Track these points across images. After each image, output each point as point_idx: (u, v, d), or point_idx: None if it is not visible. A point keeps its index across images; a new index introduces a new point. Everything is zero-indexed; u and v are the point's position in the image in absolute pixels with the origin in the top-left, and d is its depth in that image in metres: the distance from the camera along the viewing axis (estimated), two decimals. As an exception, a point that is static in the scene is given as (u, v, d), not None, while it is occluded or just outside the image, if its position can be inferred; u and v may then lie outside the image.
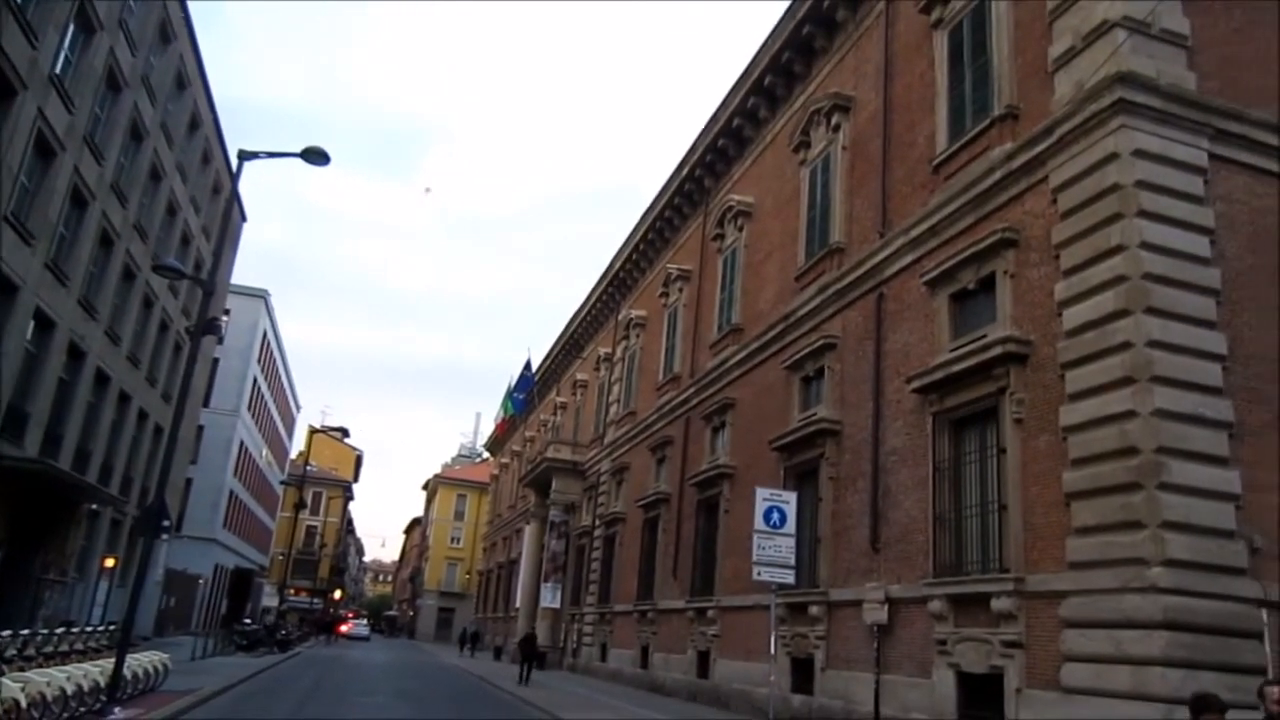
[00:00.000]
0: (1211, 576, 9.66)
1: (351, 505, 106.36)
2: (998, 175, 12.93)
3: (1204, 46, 11.74)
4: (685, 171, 27.00)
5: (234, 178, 17.46)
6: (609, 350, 35.51)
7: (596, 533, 31.97)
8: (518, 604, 42.07)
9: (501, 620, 49.64)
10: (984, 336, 12.73)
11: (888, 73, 16.93)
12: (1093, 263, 11.01)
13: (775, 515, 12.88)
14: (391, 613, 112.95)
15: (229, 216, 17.76)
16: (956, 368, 12.93)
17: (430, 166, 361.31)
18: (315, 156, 14.58)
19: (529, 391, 44.48)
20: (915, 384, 13.81)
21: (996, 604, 11.40)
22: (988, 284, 13.04)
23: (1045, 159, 12.09)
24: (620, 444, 31.19)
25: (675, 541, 23.89)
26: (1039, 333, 11.84)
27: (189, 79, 30.77)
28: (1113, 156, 11.00)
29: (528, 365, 43.76)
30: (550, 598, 35.05)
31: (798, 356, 18.27)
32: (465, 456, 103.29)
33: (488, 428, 75.78)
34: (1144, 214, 10.65)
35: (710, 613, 20.61)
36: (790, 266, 19.74)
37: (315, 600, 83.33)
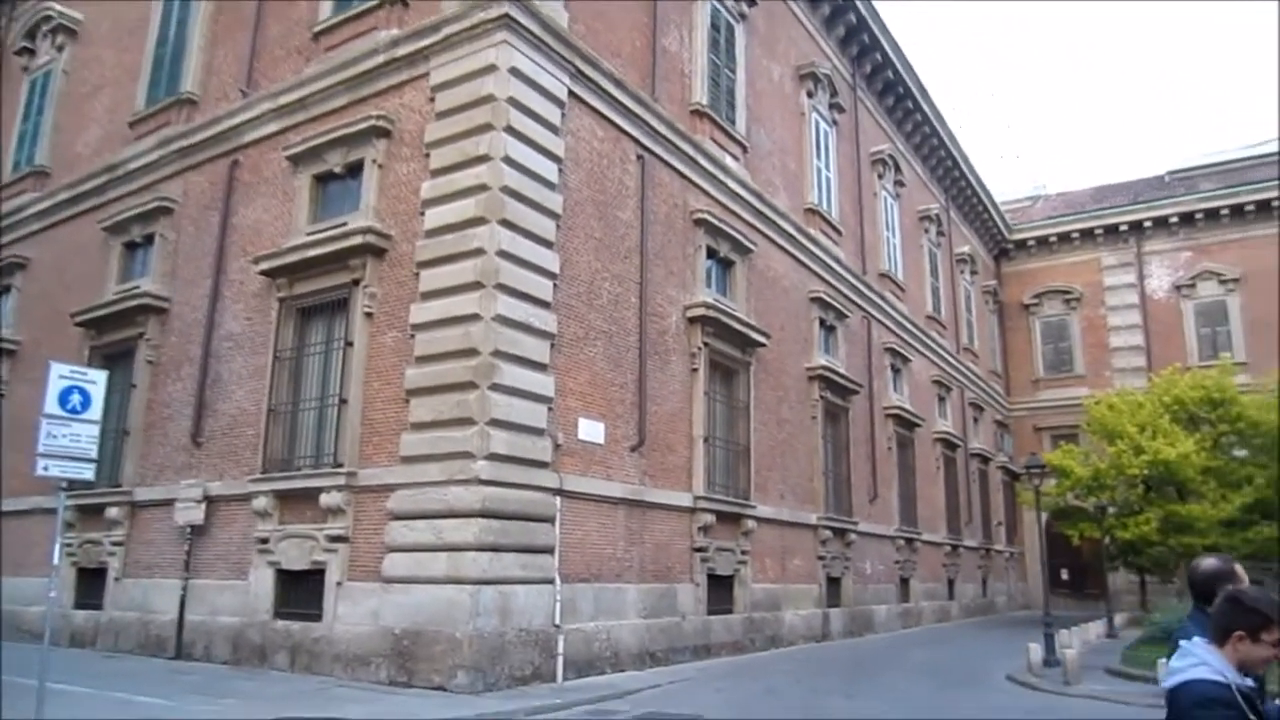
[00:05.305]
0: (522, 469, 10.69)
1: None
2: (380, 60, 12.33)
3: (578, -9, 12.69)
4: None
5: None
6: None
7: None
8: None
9: None
10: (345, 225, 12.15)
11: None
12: (460, 168, 11.19)
13: (77, 397, 10.55)
14: None
15: None
16: (312, 253, 12.15)
17: None
18: None
19: None
20: (264, 265, 12.63)
21: (326, 499, 11.11)
22: (355, 170, 12.45)
23: (429, 54, 11.87)
24: None
25: (-79, 431, 18.64)
26: (400, 229, 11.69)
27: None
28: (491, 68, 11.25)
29: None
30: None
31: (123, 218, 15.40)
32: None
33: None
34: (511, 130, 11.14)
35: (-33, 520, 16.59)
36: (124, 109, 16.47)
37: None
